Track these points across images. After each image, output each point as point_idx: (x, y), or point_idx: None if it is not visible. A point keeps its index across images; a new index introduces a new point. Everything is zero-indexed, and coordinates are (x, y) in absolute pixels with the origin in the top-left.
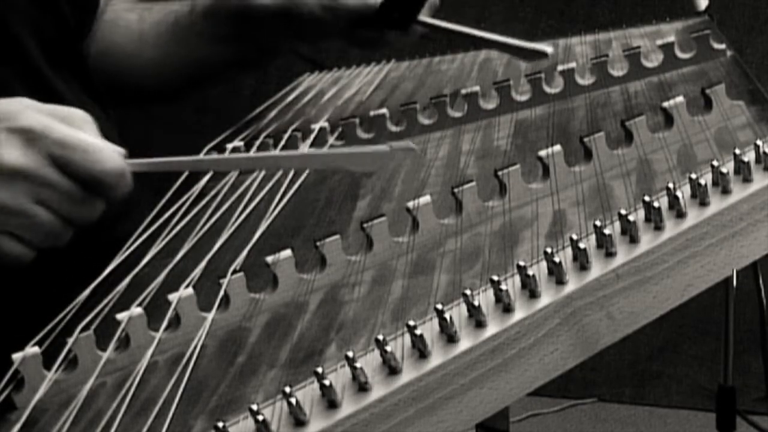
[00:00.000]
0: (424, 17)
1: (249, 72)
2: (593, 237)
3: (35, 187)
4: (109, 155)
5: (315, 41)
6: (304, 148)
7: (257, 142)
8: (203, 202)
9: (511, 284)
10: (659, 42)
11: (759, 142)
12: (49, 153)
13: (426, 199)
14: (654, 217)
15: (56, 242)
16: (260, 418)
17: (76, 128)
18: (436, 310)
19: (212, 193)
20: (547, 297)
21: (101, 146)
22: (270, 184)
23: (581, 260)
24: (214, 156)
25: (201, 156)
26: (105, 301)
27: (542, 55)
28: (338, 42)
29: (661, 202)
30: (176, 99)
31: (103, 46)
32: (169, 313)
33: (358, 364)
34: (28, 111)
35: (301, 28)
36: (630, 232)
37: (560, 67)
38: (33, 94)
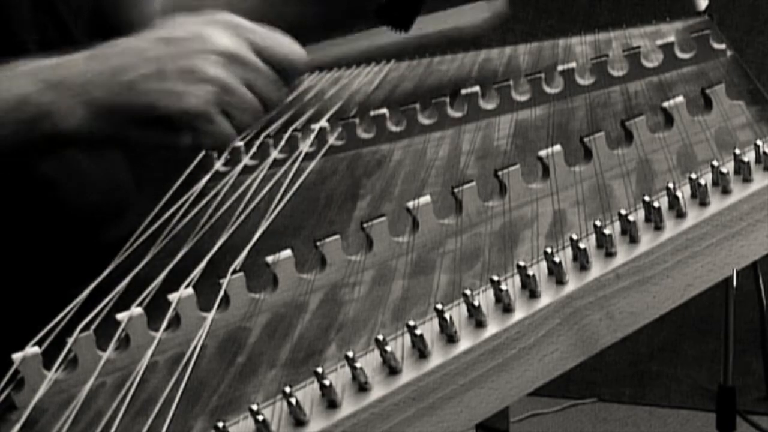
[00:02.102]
0: None
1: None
2: (593, 237)
3: (243, 69)
4: (291, 43)
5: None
6: (305, 148)
7: (257, 142)
8: (203, 202)
9: (511, 284)
10: (659, 42)
11: (759, 142)
12: (250, 41)
13: (426, 199)
14: (654, 217)
15: (254, 123)
16: (260, 418)
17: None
18: (436, 310)
19: (212, 193)
20: (547, 297)
21: (284, 36)
22: (270, 184)
23: (581, 260)
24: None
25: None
26: (105, 301)
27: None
28: None
29: (661, 202)
30: None
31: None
32: (169, 313)
33: (358, 364)
34: (226, 13)
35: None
36: (630, 232)
37: (560, 67)
38: None
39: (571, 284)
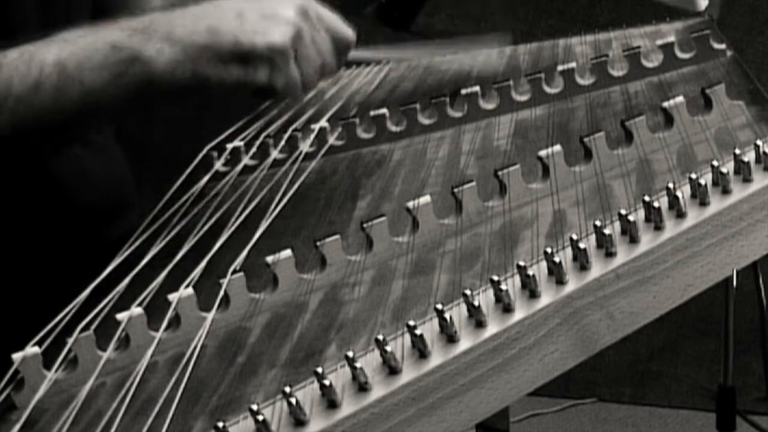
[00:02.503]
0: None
1: None
2: (593, 237)
3: (312, 28)
4: (349, 28)
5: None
6: (305, 148)
7: (257, 142)
8: (203, 202)
9: (511, 284)
10: (659, 42)
11: (759, 142)
12: (317, 12)
13: (426, 199)
14: (654, 217)
15: (315, 81)
16: (260, 418)
17: None
18: (436, 310)
19: (212, 193)
20: (547, 297)
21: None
22: (270, 184)
23: (581, 260)
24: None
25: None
26: (105, 301)
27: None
28: None
29: (661, 202)
30: None
31: None
32: (169, 313)
33: (358, 364)
34: None
35: None
36: (630, 232)
37: (560, 67)
38: None
39: (571, 284)
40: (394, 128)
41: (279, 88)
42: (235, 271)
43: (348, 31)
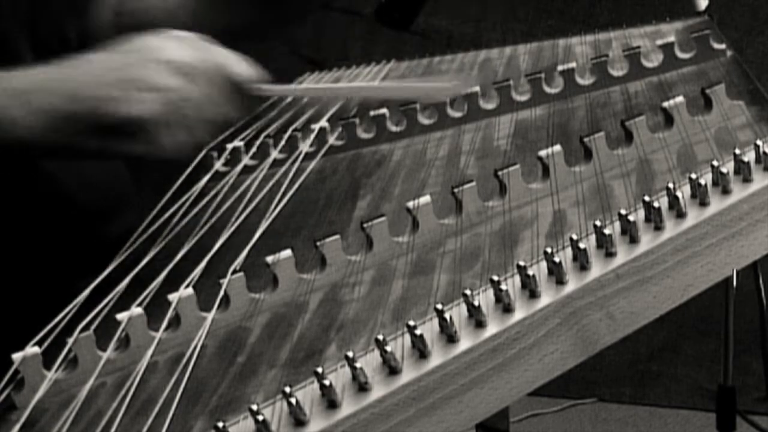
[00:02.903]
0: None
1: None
2: (593, 237)
3: (195, 83)
4: (251, 67)
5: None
6: (305, 148)
7: (257, 142)
8: (203, 202)
9: (511, 284)
10: (659, 42)
11: (759, 142)
12: (208, 58)
13: (426, 199)
14: (654, 217)
15: (208, 137)
16: (260, 418)
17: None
18: (436, 310)
19: (212, 193)
20: (547, 297)
21: (244, 59)
22: (270, 184)
23: (581, 260)
24: (337, 85)
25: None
26: (105, 301)
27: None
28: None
29: (661, 202)
30: None
31: (129, 10)
32: (169, 313)
33: (358, 364)
34: (179, 31)
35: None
36: (630, 232)
37: (560, 67)
38: None
39: (571, 284)
40: (394, 128)
41: (161, 156)
42: (235, 271)
43: (243, 69)
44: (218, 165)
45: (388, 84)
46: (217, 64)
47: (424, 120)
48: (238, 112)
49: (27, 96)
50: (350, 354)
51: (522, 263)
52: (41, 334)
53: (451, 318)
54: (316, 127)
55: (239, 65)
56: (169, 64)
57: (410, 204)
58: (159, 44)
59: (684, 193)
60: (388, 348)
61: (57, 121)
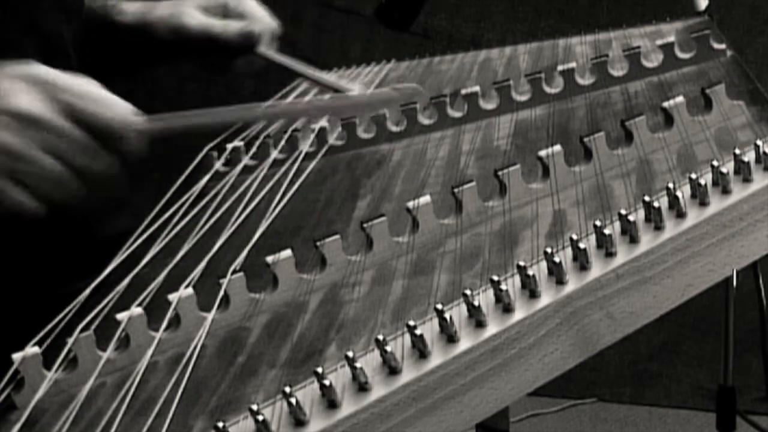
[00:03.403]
0: (264, 51)
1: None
2: (593, 237)
3: (47, 135)
4: (119, 105)
5: (165, 62)
6: (305, 148)
7: (257, 142)
8: (203, 202)
9: (511, 284)
10: (659, 42)
11: (759, 142)
12: (62, 102)
13: (426, 199)
14: (654, 217)
15: (64, 195)
16: (260, 418)
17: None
18: (436, 310)
19: (212, 193)
20: (547, 297)
21: (111, 97)
22: (270, 184)
23: (581, 260)
24: (229, 107)
25: (217, 108)
26: (105, 301)
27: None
28: (187, 63)
29: (661, 202)
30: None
31: None
32: (169, 313)
33: (358, 364)
34: (40, 66)
35: (152, 49)
36: (630, 232)
37: (560, 67)
38: None
39: (571, 284)
40: (394, 128)
41: (5, 215)
42: (235, 271)
43: (115, 114)
44: (218, 165)
45: (322, 101)
46: (79, 111)
47: (424, 120)
48: (108, 162)
49: None
50: (350, 354)
51: (522, 263)
52: (41, 334)
53: (451, 318)
54: (316, 127)
55: (104, 109)
56: (8, 116)
57: (410, 204)
58: (4, 89)
59: (684, 193)
60: (388, 348)
61: None
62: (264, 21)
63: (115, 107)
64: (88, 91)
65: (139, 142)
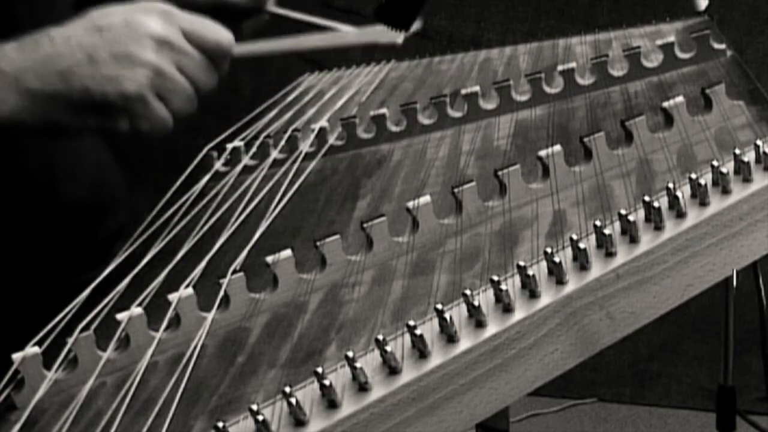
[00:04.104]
0: (273, 8)
1: None
2: (593, 237)
3: (176, 54)
4: (222, 29)
5: None
6: (305, 148)
7: (257, 142)
8: (203, 202)
9: (511, 284)
10: (659, 42)
11: (759, 142)
12: (182, 27)
13: (426, 199)
14: (654, 217)
15: (188, 108)
16: (260, 418)
17: None
18: (436, 310)
19: (212, 193)
20: (547, 297)
21: (215, 24)
22: (270, 184)
23: (581, 260)
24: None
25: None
26: (105, 301)
27: (393, 45)
28: None
29: (661, 202)
30: None
31: None
32: (169, 313)
33: (358, 364)
34: (156, 1)
35: None
36: (630, 232)
37: (560, 67)
38: None
39: (571, 284)
40: (394, 128)
41: (144, 131)
42: (235, 271)
43: (222, 36)
44: (218, 165)
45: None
46: (198, 29)
47: (424, 120)
48: (219, 75)
49: (15, 78)
50: (350, 354)
51: (522, 263)
52: (41, 334)
53: (451, 318)
54: (316, 127)
55: (214, 31)
56: (149, 39)
57: (410, 204)
58: (139, 19)
59: (684, 193)
60: (388, 348)
61: (47, 102)
62: None
63: (220, 31)
64: (198, 19)
65: (233, 56)
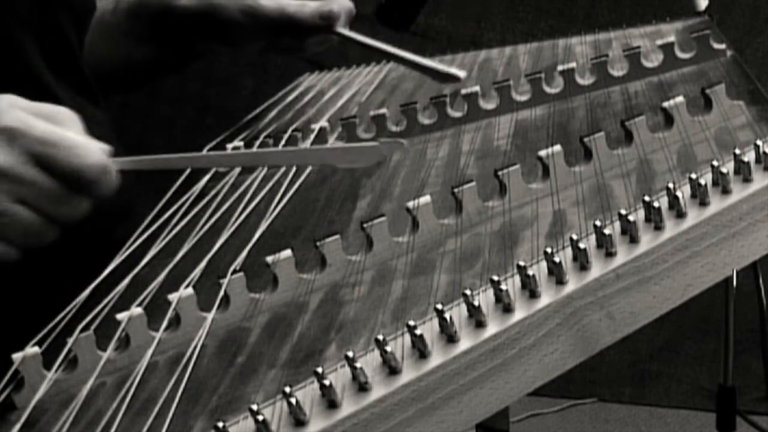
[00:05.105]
0: (341, 30)
1: (170, 74)
2: (593, 237)
3: (15, 186)
4: (91, 150)
5: (235, 45)
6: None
7: (257, 142)
8: (203, 202)
9: (511, 284)
10: (659, 42)
11: (759, 142)
12: (29, 151)
13: (426, 199)
14: (654, 217)
15: (40, 242)
16: (260, 418)
17: (59, 125)
18: (436, 310)
19: (212, 193)
20: (547, 297)
21: (83, 142)
22: (270, 184)
23: (581, 260)
24: (204, 153)
25: (190, 153)
26: (105, 301)
27: (455, 78)
28: (258, 46)
29: (661, 202)
30: (114, 94)
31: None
32: (169, 313)
33: (358, 364)
34: (10, 110)
35: (221, 32)
36: (630, 232)
37: (560, 67)
38: (32, 100)
39: (571, 284)
40: (394, 128)
41: None
42: (235, 271)
43: (84, 159)
44: None
45: (303, 148)
46: (47, 159)
47: (424, 120)
48: (84, 206)
49: None
50: (350, 354)
51: (522, 263)
52: (41, 334)
53: (451, 318)
54: (316, 127)
55: (74, 155)
56: None
57: (410, 204)
58: None
59: (684, 193)
60: (388, 348)
61: None
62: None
63: (85, 152)
64: (60, 137)
65: (111, 182)
